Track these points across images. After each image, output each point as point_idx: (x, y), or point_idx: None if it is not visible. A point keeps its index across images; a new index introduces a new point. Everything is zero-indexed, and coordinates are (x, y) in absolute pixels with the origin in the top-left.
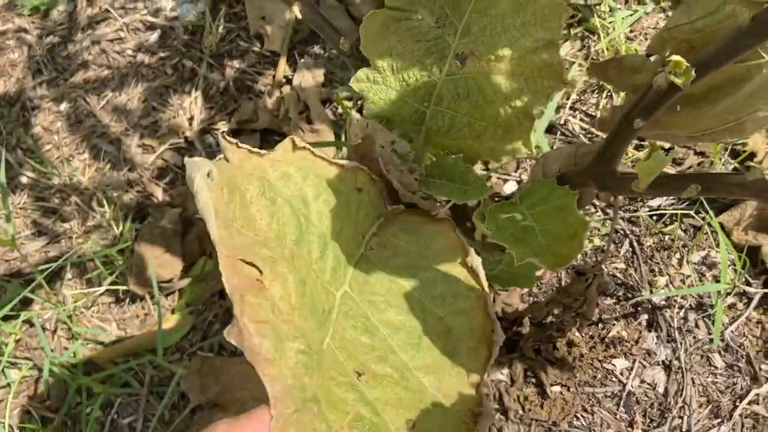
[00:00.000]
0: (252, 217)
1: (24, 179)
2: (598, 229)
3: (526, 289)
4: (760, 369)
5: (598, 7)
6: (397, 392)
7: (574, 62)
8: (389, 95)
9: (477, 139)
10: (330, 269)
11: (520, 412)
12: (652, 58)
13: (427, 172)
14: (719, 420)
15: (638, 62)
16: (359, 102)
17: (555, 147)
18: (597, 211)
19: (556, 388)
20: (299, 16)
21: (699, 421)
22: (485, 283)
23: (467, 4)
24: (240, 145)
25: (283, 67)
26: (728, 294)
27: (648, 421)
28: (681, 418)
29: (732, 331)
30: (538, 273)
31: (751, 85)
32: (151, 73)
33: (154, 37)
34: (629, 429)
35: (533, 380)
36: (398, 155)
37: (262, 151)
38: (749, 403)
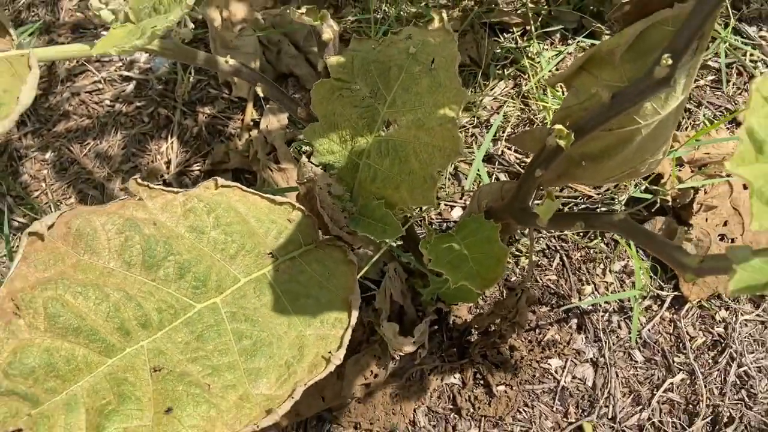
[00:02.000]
0: (98, 251)
1: (16, 225)
2: (533, 246)
3: (473, 303)
4: (674, 361)
5: (527, 48)
6: (191, 390)
7: (506, 100)
8: (331, 147)
9: (395, 190)
10: (191, 287)
11: (471, 410)
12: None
13: (359, 212)
14: (640, 407)
15: (545, 133)
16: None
17: (494, 176)
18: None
19: (501, 388)
20: (262, 94)
21: (623, 408)
22: (353, 320)
23: (395, 81)
24: (152, 186)
25: (250, 112)
26: (644, 297)
27: (580, 411)
28: (607, 407)
29: (649, 330)
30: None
31: (636, 144)
32: (129, 121)
33: (130, 88)
34: (564, 419)
35: (481, 382)
36: (333, 196)
37: (177, 190)
38: (665, 391)
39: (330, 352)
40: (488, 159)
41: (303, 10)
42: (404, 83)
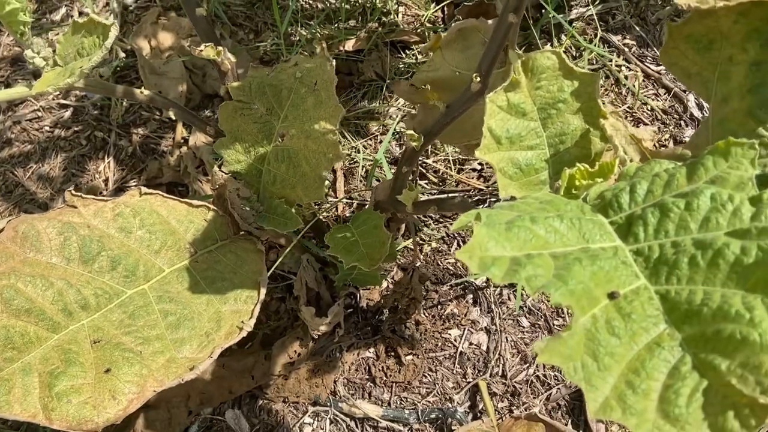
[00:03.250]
0: (42, 250)
1: None
2: (435, 235)
3: (384, 286)
4: (554, 324)
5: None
6: (127, 356)
7: (409, 110)
8: (238, 157)
9: (292, 190)
10: (122, 277)
11: (384, 378)
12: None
13: (266, 210)
14: (527, 364)
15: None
16: None
17: None
18: (432, 223)
19: (409, 357)
20: (173, 117)
21: (513, 366)
22: (262, 296)
23: (286, 100)
24: (84, 196)
25: (180, 131)
26: None
27: (476, 372)
28: (499, 366)
29: (533, 300)
30: (391, 273)
31: (473, 121)
32: (68, 144)
33: (67, 114)
34: (463, 379)
35: (392, 353)
36: (242, 198)
37: (107, 198)
38: None
39: (243, 322)
40: (396, 161)
41: (202, 47)
42: (294, 102)
